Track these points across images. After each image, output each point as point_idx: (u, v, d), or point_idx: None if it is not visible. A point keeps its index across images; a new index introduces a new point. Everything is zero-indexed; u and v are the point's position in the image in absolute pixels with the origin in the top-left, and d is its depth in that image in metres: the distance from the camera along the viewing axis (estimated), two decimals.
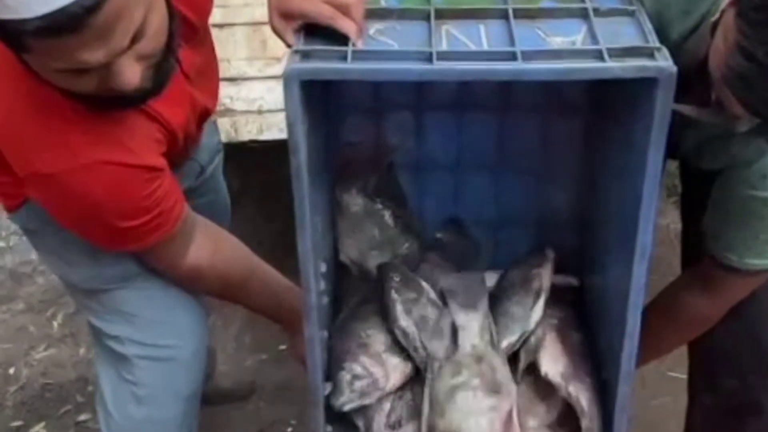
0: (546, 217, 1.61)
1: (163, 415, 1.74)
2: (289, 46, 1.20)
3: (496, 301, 1.49)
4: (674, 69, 1.09)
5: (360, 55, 1.13)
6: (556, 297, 1.53)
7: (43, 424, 2.47)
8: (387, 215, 1.57)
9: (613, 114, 1.36)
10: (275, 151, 2.14)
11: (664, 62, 1.10)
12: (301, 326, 1.34)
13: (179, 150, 1.48)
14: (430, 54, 1.11)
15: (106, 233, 1.44)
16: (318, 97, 1.30)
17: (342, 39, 1.16)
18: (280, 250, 1.82)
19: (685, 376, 1.94)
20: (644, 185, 1.16)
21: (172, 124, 1.40)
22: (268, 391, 2.55)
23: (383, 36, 1.19)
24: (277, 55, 2.38)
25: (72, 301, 2.31)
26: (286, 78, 1.11)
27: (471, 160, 1.58)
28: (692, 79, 1.23)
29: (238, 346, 2.68)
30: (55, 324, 2.78)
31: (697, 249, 1.57)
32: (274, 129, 2.43)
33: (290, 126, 1.15)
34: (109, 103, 1.27)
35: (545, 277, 1.50)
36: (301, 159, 1.17)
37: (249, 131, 2.43)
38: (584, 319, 1.54)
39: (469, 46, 1.16)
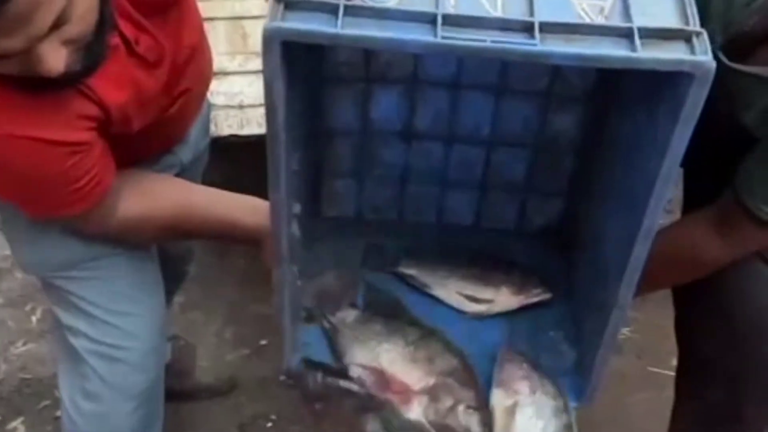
0: (537, 186, 1.55)
1: (112, 412, 1.70)
2: None
3: None
4: (713, 65, 0.96)
5: (352, 12, 0.98)
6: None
7: (21, 419, 2.42)
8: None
9: (626, 93, 1.27)
10: (257, 146, 2.10)
11: (702, 56, 0.96)
12: (262, 237, 1.31)
13: (124, 132, 1.42)
14: (434, 17, 0.97)
15: (30, 202, 1.41)
16: (302, 56, 1.22)
17: None
18: None
19: (665, 372, 1.92)
20: (661, 170, 1.05)
21: (108, 104, 1.34)
22: (249, 386, 2.50)
23: None
24: (257, 49, 2.30)
25: None
26: (266, 37, 0.98)
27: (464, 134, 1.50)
28: (763, 38, 1.17)
29: (218, 342, 2.64)
30: (33, 319, 2.73)
31: None
32: (254, 124, 2.37)
33: (268, 86, 1.04)
34: (38, 84, 1.21)
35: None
36: (278, 121, 1.08)
37: (229, 126, 2.37)
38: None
39: (482, 5, 1.00)
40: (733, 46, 1.23)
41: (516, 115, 1.46)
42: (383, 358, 1.35)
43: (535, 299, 1.47)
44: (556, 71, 1.40)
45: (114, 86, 1.34)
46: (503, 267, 1.52)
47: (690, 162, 1.62)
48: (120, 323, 1.63)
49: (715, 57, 1.17)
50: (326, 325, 1.41)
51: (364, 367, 1.34)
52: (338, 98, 1.48)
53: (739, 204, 1.37)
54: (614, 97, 1.35)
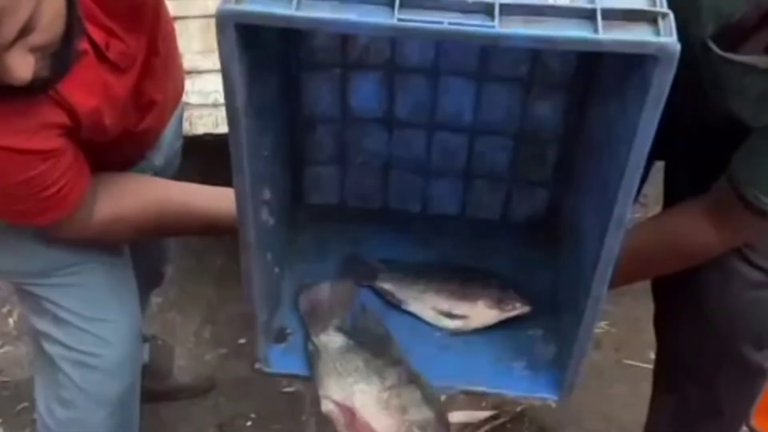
0: (521, 175, 1.52)
1: (87, 418, 1.68)
2: None
3: None
4: (677, 47, 0.92)
5: None
6: None
7: None
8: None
9: (603, 79, 1.25)
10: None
11: (667, 38, 0.93)
12: None
13: (98, 139, 1.40)
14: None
15: (4, 210, 1.38)
16: (274, 40, 1.19)
17: None
18: None
19: (642, 365, 1.92)
20: (629, 157, 1.02)
21: (78, 110, 1.31)
22: (228, 385, 2.49)
23: None
24: None
25: None
26: (219, 19, 0.97)
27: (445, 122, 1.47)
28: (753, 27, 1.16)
29: (197, 341, 2.62)
30: (11, 321, 2.70)
31: None
32: None
33: (225, 69, 1.01)
34: (5, 92, 1.19)
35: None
36: (237, 105, 1.04)
37: (204, 125, 2.36)
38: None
39: None
40: (724, 35, 1.23)
41: (498, 103, 1.44)
42: (357, 398, 1.31)
43: (513, 313, 1.43)
44: (535, 57, 1.37)
45: (84, 92, 1.32)
46: (481, 280, 1.48)
47: (671, 156, 1.63)
48: (95, 330, 1.61)
49: (706, 47, 1.16)
50: (310, 347, 1.38)
51: (336, 403, 1.30)
52: (316, 84, 1.45)
53: (735, 193, 1.34)
54: (592, 84, 1.34)
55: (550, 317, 1.42)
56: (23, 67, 1.14)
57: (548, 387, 1.34)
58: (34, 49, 1.15)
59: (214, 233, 1.62)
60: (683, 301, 1.65)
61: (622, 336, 2.50)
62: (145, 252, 1.87)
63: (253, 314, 1.30)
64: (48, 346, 1.62)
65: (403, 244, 1.53)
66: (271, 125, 1.27)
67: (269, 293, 1.36)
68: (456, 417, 2.25)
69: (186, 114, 2.33)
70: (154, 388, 2.28)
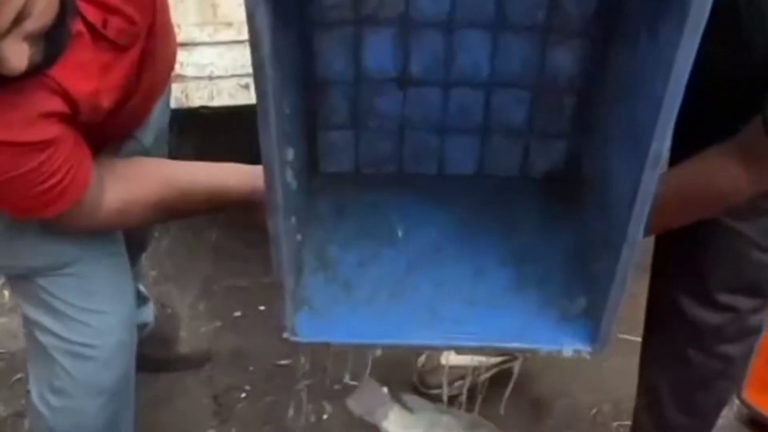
0: (539, 128, 1.48)
1: (81, 408, 1.64)
2: None
3: None
4: None
5: None
6: None
7: None
8: None
9: (628, 15, 1.21)
10: (228, 117, 2.07)
11: None
12: (254, 197, 1.28)
13: (93, 121, 1.36)
14: None
15: (3, 204, 1.35)
16: None
17: None
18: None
19: (636, 339, 1.91)
20: (667, 90, 0.97)
21: (74, 94, 1.27)
22: (223, 357, 2.48)
23: None
24: (228, 20, 2.30)
25: None
26: None
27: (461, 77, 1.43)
28: None
29: (192, 314, 2.59)
30: (6, 293, 2.67)
31: None
32: (225, 95, 2.34)
33: (250, 16, 0.97)
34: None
35: None
36: (264, 54, 0.99)
37: (200, 97, 2.34)
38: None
39: None
40: None
41: (514, 55, 1.40)
42: None
43: None
44: (553, 1, 1.34)
45: (80, 75, 1.28)
46: None
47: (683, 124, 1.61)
48: (91, 321, 1.57)
49: None
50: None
51: None
52: (329, 45, 1.40)
53: (767, 131, 1.29)
54: (614, 25, 1.29)
55: (577, 270, 1.39)
56: (18, 55, 1.11)
57: (582, 339, 1.30)
58: (27, 37, 1.11)
59: (221, 209, 1.60)
60: (677, 252, 1.67)
61: (619, 312, 2.49)
62: None
63: (280, 282, 1.25)
64: (40, 336, 1.58)
65: (421, 206, 1.49)
66: (291, 84, 1.23)
67: (293, 260, 1.32)
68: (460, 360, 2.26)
69: (181, 86, 2.32)
70: (156, 356, 2.26)
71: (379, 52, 1.42)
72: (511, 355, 1.43)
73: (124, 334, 1.64)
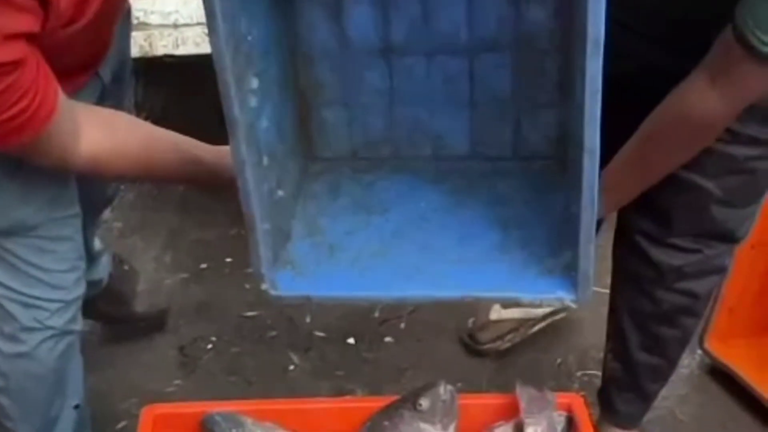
0: (525, 95, 1.45)
1: (32, 352, 1.61)
2: None
3: None
4: None
5: None
6: None
7: None
8: None
9: None
10: (194, 66, 2.02)
11: None
12: (225, 175, 1.24)
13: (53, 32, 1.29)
14: None
15: None
16: None
17: None
18: None
19: (602, 290, 1.91)
20: None
21: None
22: (188, 309, 2.45)
23: None
24: None
25: None
26: None
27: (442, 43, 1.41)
28: None
29: (157, 266, 2.57)
30: None
31: None
32: (190, 43, 2.30)
33: None
34: None
35: None
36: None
37: (164, 45, 2.29)
38: None
39: None
40: None
41: (491, 12, 1.38)
42: None
43: None
44: None
45: None
46: None
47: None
48: (47, 278, 1.54)
49: None
50: None
51: None
52: (311, 17, 1.38)
53: (737, 39, 1.26)
54: None
55: (563, 232, 1.38)
56: None
57: (565, 288, 1.30)
58: None
59: (192, 180, 1.58)
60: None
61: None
62: None
63: (252, 226, 1.22)
64: None
65: (415, 186, 1.49)
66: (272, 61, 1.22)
67: (268, 203, 1.28)
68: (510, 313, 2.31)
69: (145, 35, 2.26)
70: (111, 313, 2.22)
71: (360, 20, 1.40)
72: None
73: (77, 288, 1.61)
